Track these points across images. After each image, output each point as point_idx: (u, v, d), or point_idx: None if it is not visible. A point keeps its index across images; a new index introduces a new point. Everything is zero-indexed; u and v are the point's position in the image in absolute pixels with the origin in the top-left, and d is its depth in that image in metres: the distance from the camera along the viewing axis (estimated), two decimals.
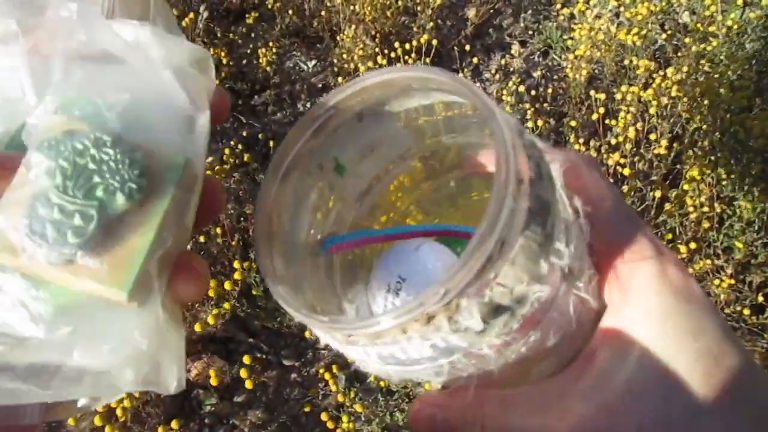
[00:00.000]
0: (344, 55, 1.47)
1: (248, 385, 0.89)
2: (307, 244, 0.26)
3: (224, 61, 1.44)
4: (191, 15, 1.42)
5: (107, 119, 0.21)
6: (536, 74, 1.51)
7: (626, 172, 1.16)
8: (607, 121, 1.25)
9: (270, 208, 0.24)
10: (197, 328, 0.97)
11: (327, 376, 0.98)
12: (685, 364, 0.21)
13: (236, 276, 1.00)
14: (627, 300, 0.22)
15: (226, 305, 1.00)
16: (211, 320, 0.96)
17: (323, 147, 0.26)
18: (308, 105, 1.49)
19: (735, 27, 1.40)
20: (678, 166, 1.23)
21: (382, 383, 1.03)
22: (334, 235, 0.27)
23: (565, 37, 1.54)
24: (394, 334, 0.19)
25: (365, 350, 0.20)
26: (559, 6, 1.59)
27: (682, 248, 1.10)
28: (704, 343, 0.21)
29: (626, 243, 0.22)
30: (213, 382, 0.91)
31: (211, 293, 1.02)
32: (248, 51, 1.52)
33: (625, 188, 1.17)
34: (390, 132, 0.27)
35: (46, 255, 0.19)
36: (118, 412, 0.92)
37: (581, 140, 1.27)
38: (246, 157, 1.22)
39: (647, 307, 0.21)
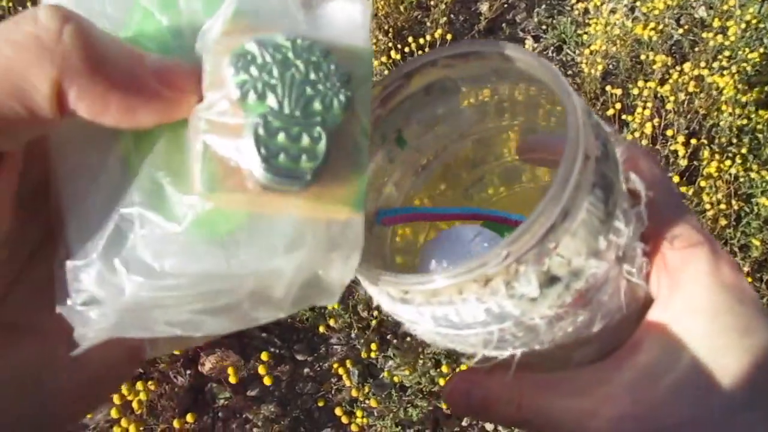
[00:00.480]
0: None
1: (267, 381, 0.89)
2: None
3: None
4: None
5: (296, 18, 0.18)
6: None
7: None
8: (623, 117, 1.24)
9: None
10: None
11: (341, 371, 0.99)
12: (730, 362, 0.20)
13: None
14: (676, 293, 0.22)
15: None
16: None
17: (389, 117, 0.25)
18: None
19: (754, 21, 1.38)
20: (695, 163, 1.22)
21: (395, 378, 1.03)
22: (389, 208, 0.27)
23: (579, 32, 1.53)
24: (451, 294, 0.19)
25: (419, 310, 0.20)
26: (573, 1, 1.58)
27: None
28: (751, 342, 0.21)
29: (676, 230, 0.22)
30: (232, 380, 0.92)
31: None
32: None
33: None
34: (454, 109, 0.26)
35: (280, 183, 0.16)
36: (134, 404, 0.93)
37: None
38: None
39: (697, 303, 0.21)
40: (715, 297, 0.21)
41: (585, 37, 1.47)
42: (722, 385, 0.20)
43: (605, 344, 0.23)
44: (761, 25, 1.41)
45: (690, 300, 0.21)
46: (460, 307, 0.19)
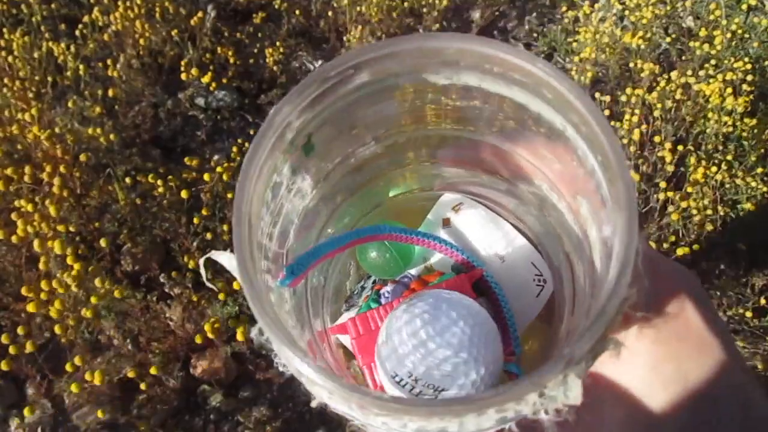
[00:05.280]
0: None
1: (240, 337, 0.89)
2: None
3: (231, 61, 1.45)
4: (199, 14, 1.43)
5: None
6: None
7: (630, 174, 1.17)
8: (611, 123, 1.26)
9: (248, 211, 0.20)
10: (206, 328, 0.97)
11: None
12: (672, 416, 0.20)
13: None
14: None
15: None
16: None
17: (302, 122, 0.21)
18: None
19: (739, 31, 1.41)
20: (682, 169, 1.24)
21: None
22: (294, 263, 0.23)
23: (569, 40, 1.55)
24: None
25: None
26: (564, 9, 1.60)
27: (686, 250, 1.11)
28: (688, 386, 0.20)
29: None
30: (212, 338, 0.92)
31: (221, 296, 1.03)
32: (255, 50, 1.52)
33: None
34: (381, 111, 0.23)
35: None
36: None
37: None
38: None
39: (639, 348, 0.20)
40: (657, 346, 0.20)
41: (575, 44, 1.49)
42: None
43: None
44: (746, 35, 1.44)
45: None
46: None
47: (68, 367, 0.86)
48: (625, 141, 1.21)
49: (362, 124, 0.24)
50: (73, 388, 0.84)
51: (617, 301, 0.17)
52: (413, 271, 0.29)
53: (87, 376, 0.86)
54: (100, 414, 0.92)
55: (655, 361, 0.20)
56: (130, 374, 0.94)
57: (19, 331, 0.83)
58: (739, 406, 0.20)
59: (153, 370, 0.96)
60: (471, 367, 0.22)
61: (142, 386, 0.97)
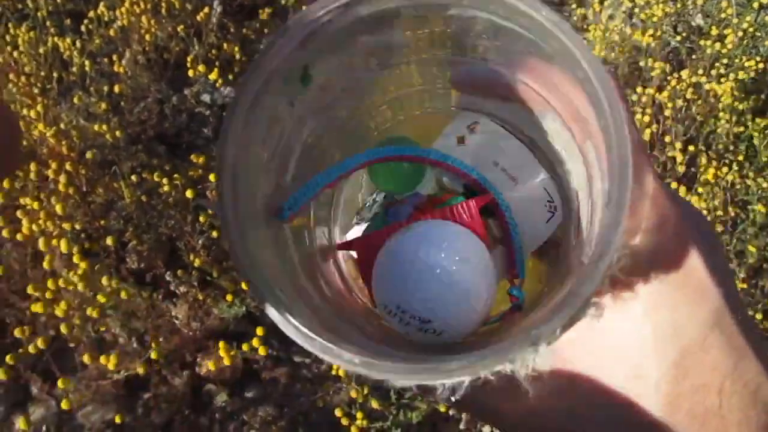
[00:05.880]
0: None
1: (262, 351, 0.90)
2: (261, 206, 0.21)
3: (237, 57, 1.44)
4: (205, 10, 1.42)
5: None
6: None
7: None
8: None
9: (235, 159, 0.19)
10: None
11: (341, 372, 0.98)
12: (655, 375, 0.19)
13: None
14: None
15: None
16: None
17: (298, 56, 0.20)
18: None
19: (750, 30, 1.39)
20: (692, 169, 1.23)
21: None
22: (291, 197, 0.22)
23: None
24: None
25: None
26: (573, 6, 1.59)
27: None
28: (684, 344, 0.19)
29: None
30: (226, 362, 0.92)
31: (229, 298, 1.02)
32: (261, 46, 1.51)
33: None
34: (384, 39, 0.23)
35: None
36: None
37: None
38: None
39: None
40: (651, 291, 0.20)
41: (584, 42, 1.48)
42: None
43: None
44: (758, 34, 1.42)
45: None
46: None
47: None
48: None
49: (364, 51, 0.23)
50: (63, 405, 0.85)
51: (592, 287, 0.16)
52: (423, 191, 0.29)
53: (102, 360, 0.86)
54: (118, 419, 0.92)
55: (649, 307, 0.19)
56: (140, 370, 0.93)
57: (18, 333, 0.83)
58: (726, 355, 0.20)
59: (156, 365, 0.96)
60: (450, 323, 0.22)
61: (151, 378, 0.96)
